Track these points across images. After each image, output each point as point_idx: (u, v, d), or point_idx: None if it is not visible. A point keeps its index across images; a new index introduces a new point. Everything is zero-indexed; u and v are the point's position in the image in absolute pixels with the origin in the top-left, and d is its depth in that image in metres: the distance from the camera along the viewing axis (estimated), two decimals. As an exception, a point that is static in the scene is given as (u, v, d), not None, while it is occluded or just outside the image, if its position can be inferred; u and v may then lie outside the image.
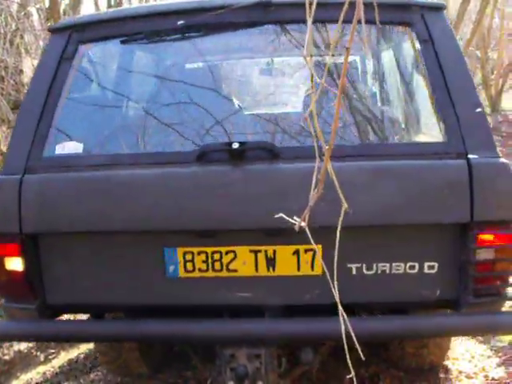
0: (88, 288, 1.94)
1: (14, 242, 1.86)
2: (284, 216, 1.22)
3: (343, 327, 1.14)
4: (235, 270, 1.86)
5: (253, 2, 1.98)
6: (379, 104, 2.46)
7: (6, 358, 3.44)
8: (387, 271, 1.80)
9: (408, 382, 2.76)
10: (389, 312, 1.95)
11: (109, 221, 1.83)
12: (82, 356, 3.49)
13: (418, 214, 1.75)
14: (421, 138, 2.06)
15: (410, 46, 2.11)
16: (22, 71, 7.25)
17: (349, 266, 1.80)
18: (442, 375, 2.82)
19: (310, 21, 1.01)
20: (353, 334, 1.04)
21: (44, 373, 3.37)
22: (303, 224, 1.20)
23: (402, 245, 1.81)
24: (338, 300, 1.16)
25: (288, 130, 2.13)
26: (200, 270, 1.86)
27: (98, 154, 1.99)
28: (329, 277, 1.19)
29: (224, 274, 1.86)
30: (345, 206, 1.15)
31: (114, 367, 2.91)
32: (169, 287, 1.90)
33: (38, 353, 3.58)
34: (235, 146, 1.78)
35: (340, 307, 1.14)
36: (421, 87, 2.04)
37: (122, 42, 2.21)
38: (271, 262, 1.83)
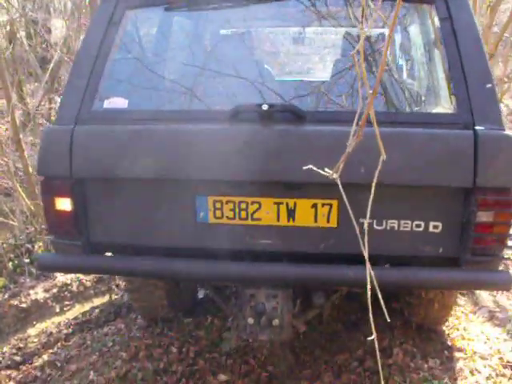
0: (126, 230, 2.15)
1: (64, 185, 2.07)
2: (314, 168, 1.24)
3: (368, 276, 1.13)
4: (259, 219, 2.03)
5: None
6: (400, 75, 2.61)
7: (24, 305, 3.52)
8: (395, 228, 1.97)
9: (421, 357, 2.75)
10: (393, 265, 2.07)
11: (148, 169, 2.01)
12: (96, 310, 3.54)
13: (426, 177, 1.88)
14: (434, 109, 2.19)
15: (430, 23, 2.26)
16: (50, 30, 7.25)
17: (361, 220, 1.84)
18: (455, 354, 2.80)
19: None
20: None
21: (59, 323, 3.44)
22: (335, 176, 1.19)
23: (410, 204, 1.97)
24: (365, 253, 1.14)
25: (315, 95, 2.32)
26: (227, 217, 2.05)
27: (141, 110, 2.18)
28: (358, 231, 1.19)
29: (249, 222, 2.04)
30: (383, 156, 1.13)
31: (141, 305, 3.06)
32: (199, 231, 2.08)
33: (54, 303, 3.64)
34: (265, 107, 1.93)
35: (367, 258, 1.14)
36: (438, 62, 2.19)
37: (165, 9, 2.51)
38: (292, 213, 2.01)
